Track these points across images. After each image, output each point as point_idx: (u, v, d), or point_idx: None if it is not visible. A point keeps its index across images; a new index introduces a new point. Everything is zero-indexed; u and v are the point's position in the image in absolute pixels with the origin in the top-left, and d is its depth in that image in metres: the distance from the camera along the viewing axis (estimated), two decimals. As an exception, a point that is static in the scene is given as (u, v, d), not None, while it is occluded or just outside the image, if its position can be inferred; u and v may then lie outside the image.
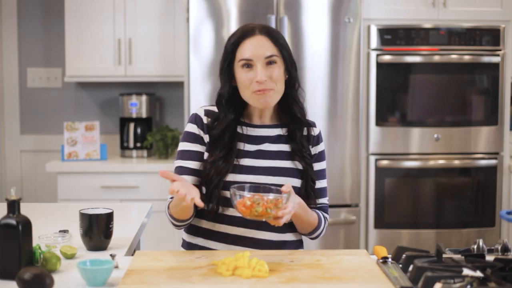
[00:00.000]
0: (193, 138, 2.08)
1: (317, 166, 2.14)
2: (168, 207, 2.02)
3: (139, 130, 4.38)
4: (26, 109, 4.61)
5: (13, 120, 4.60)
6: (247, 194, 1.84)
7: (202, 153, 2.06)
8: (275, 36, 2.03)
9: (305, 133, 2.12)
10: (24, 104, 4.61)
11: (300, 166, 2.07)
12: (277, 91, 2.03)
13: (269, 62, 2.01)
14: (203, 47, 3.84)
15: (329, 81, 3.92)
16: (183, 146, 2.09)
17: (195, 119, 2.09)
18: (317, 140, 2.16)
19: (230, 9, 3.86)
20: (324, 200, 2.17)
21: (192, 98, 3.86)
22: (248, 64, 2.01)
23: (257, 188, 1.91)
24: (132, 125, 4.37)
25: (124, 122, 4.41)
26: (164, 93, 4.62)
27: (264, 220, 1.86)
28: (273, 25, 3.81)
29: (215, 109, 2.10)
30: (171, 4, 4.26)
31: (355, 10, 3.90)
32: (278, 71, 2.02)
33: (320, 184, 2.15)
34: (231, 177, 2.01)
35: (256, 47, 2.01)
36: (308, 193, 2.07)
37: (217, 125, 2.06)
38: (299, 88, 2.10)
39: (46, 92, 4.61)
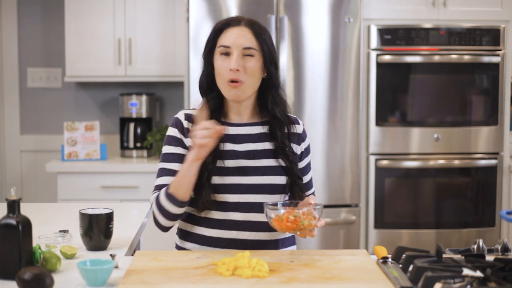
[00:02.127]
0: (175, 141, 2.07)
1: (304, 162, 2.15)
2: (168, 193, 1.96)
3: (139, 130, 4.38)
4: (26, 109, 4.61)
5: (13, 120, 4.60)
6: (282, 209, 1.87)
7: (184, 156, 2.04)
8: (258, 31, 2.03)
9: (286, 131, 2.11)
10: (24, 104, 4.61)
11: (283, 163, 2.06)
12: (249, 86, 2.01)
13: (247, 55, 2.00)
14: (203, 47, 3.83)
15: (329, 81, 3.92)
16: (166, 149, 2.08)
17: (176, 123, 2.08)
18: (302, 137, 2.14)
19: (230, 9, 3.86)
20: (312, 190, 2.21)
21: (192, 98, 3.86)
22: (226, 53, 2.00)
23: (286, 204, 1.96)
24: (132, 125, 4.38)
25: (124, 122, 4.41)
26: (164, 93, 4.62)
27: (297, 232, 1.88)
28: (273, 25, 3.81)
29: (195, 112, 2.07)
30: (171, 4, 4.26)
31: (355, 10, 3.90)
32: (254, 64, 2.00)
33: (307, 177, 2.17)
34: (217, 179, 2.00)
35: (236, 37, 2.00)
36: (295, 190, 2.07)
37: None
38: (280, 88, 2.09)
39: (46, 92, 4.61)
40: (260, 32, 2.03)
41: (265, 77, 2.06)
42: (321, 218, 1.87)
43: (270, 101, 2.07)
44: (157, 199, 2.00)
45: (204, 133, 1.87)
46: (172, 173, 2.03)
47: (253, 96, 2.08)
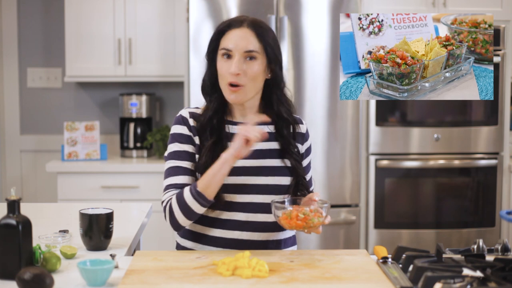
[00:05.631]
0: (184, 138, 2.04)
1: (305, 162, 2.15)
2: (196, 191, 1.91)
3: (139, 130, 4.38)
4: (26, 109, 4.61)
5: (13, 120, 4.60)
6: (289, 207, 1.87)
7: (194, 154, 2.03)
8: (261, 32, 2.00)
9: (291, 130, 2.11)
10: (24, 104, 4.61)
11: (289, 164, 2.06)
12: (249, 89, 2.00)
13: (249, 58, 1.99)
14: (203, 47, 3.79)
15: (329, 81, 3.92)
16: (175, 146, 2.04)
17: (183, 121, 2.06)
18: (306, 137, 2.16)
19: (230, 9, 3.86)
20: (311, 188, 2.19)
21: (192, 98, 3.86)
22: (228, 55, 1.99)
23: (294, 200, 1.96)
24: (132, 125, 4.38)
25: (124, 122, 4.41)
26: (164, 93, 4.62)
27: (305, 230, 1.87)
28: (273, 25, 3.81)
29: (198, 111, 2.08)
30: (171, 4, 4.26)
31: (355, 10, 3.90)
32: (257, 68, 1.99)
33: (307, 177, 2.16)
34: None
35: (238, 39, 1.98)
36: (300, 189, 2.07)
37: (204, 112, 2.05)
38: (285, 88, 2.08)
39: (46, 92, 4.61)
40: (263, 34, 2.00)
41: (269, 78, 2.05)
42: (327, 215, 1.88)
43: (275, 101, 2.07)
44: (181, 197, 1.93)
45: (256, 131, 1.87)
46: (185, 171, 2.01)
47: (256, 96, 2.06)
